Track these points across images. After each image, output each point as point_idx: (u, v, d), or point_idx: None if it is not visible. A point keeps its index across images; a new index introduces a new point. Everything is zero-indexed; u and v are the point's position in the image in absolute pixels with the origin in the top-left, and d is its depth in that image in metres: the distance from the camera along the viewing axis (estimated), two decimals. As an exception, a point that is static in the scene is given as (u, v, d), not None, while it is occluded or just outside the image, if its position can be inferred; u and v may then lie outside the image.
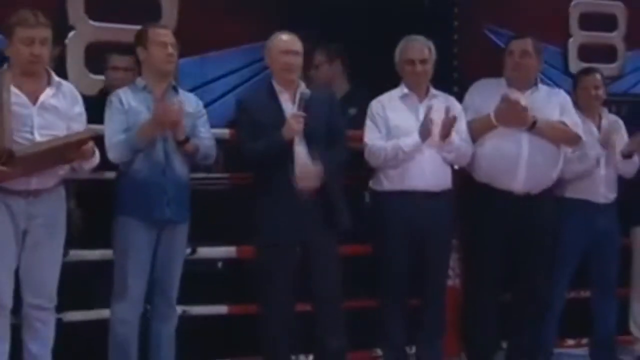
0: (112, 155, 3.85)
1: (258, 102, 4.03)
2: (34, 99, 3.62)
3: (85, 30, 4.97)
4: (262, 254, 4.03)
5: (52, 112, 3.64)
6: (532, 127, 4.28)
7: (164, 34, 3.96)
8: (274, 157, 3.90)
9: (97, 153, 3.73)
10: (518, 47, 4.39)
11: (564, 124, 4.37)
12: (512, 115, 4.25)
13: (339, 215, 3.99)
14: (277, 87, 4.02)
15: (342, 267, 4.03)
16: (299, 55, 4.02)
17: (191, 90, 4.39)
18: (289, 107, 3.96)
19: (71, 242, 3.92)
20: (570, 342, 5.00)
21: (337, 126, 4.06)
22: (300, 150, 3.92)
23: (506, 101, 4.25)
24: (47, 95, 3.65)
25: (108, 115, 3.92)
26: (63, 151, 3.59)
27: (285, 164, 3.90)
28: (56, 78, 3.72)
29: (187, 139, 3.89)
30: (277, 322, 3.97)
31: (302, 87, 3.99)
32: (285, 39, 4.02)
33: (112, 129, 3.88)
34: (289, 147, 3.90)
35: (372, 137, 4.23)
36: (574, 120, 4.41)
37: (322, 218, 3.94)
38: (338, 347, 4.01)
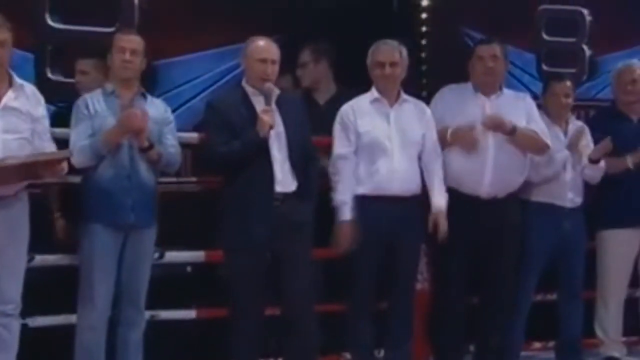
0: (76, 160, 3.83)
1: (229, 103, 4.00)
2: None
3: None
4: (230, 257, 3.99)
5: (16, 114, 3.62)
6: (512, 133, 4.32)
7: (124, 40, 3.95)
8: (250, 156, 3.87)
9: (66, 168, 3.72)
10: (487, 52, 4.42)
11: (534, 132, 4.41)
12: (466, 141, 4.28)
13: (305, 224, 3.97)
14: (249, 89, 4.00)
15: (313, 271, 4.01)
16: (275, 64, 3.99)
17: (158, 95, 4.38)
18: (261, 107, 3.93)
19: (55, 250, 3.94)
20: (537, 345, 5.03)
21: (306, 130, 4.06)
22: (277, 154, 3.90)
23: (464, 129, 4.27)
24: (9, 97, 3.63)
25: (74, 120, 3.92)
26: (35, 169, 3.57)
27: (261, 166, 3.86)
28: (18, 80, 3.69)
29: (150, 146, 3.87)
30: (246, 325, 3.93)
31: (268, 84, 3.95)
32: (262, 46, 4.00)
33: (77, 134, 3.87)
34: (264, 147, 3.86)
35: (340, 146, 4.23)
36: (541, 127, 4.45)
37: (298, 224, 3.91)
38: (311, 351, 4.00)
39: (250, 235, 3.87)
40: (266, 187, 3.87)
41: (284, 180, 3.91)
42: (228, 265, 4.01)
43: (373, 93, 4.32)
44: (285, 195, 3.91)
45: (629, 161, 4.65)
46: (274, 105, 3.94)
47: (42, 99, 3.77)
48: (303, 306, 3.95)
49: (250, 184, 3.89)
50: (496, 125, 4.33)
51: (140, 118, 3.81)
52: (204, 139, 4.12)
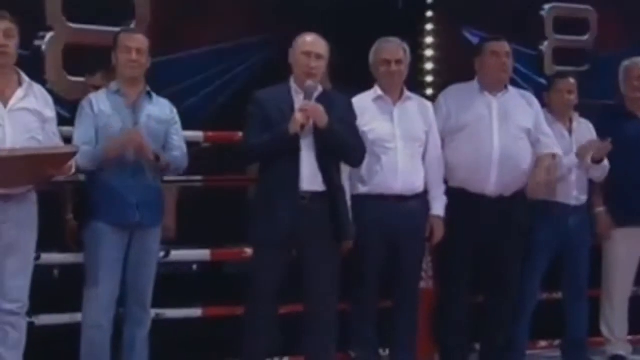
0: (78, 162, 3.81)
1: (271, 97, 3.97)
2: (4, 100, 3.60)
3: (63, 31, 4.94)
4: (256, 252, 3.97)
5: (25, 114, 3.63)
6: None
7: (130, 39, 3.95)
8: (278, 151, 3.85)
9: (74, 166, 3.73)
10: (501, 48, 4.43)
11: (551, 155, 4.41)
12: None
13: (345, 226, 3.96)
14: (294, 86, 3.98)
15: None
16: (322, 59, 3.96)
17: (162, 92, 4.39)
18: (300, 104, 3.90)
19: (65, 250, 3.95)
20: (543, 343, 5.04)
21: (350, 129, 4.00)
22: (307, 154, 3.86)
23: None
24: (18, 97, 3.64)
25: (77, 120, 3.93)
26: (42, 164, 3.56)
27: (289, 164, 3.85)
28: (27, 79, 3.70)
29: (157, 158, 3.87)
30: (260, 322, 3.92)
31: (310, 82, 3.91)
32: (308, 40, 3.97)
33: (79, 133, 3.89)
34: (294, 144, 3.83)
35: None
36: (546, 132, 4.47)
37: (324, 223, 3.89)
38: (327, 351, 4.01)
39: (275, 231, 3.85)
40: (292, 184, 3.85)
41: (311, 179, 3.87)
42: (253, 259, 3.99)
43: (376, 91, 4.32)
44: (313, 194, 3.87)
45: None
46: (313, 103, 3.88)
47: (50, 99, 3.78)
48: (325, 305, 3.94)
49: (277, 180, 3.87)
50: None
51: (139, 142, 3.80)
52: (244, 130, 4.05)
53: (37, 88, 3.76)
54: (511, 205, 4.40)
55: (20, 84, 3.66)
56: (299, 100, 3.93)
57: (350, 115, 4.06)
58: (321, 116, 3.84)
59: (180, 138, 4.04)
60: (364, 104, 4.28)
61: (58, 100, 4.03)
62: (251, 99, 4.01)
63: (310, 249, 3.90)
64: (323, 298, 3.93)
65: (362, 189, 4.23)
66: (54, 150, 3.63)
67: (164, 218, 4.04)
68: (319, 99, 3.93)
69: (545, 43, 5.94)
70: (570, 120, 4.70)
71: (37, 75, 4.19)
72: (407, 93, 4.34)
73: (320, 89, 3.98)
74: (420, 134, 4.29)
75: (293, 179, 3.85)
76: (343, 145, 3.94)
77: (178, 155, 3.99)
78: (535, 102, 4.55)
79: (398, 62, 4.26)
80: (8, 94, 3.63)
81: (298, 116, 3.82)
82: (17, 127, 3.59)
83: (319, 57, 3.95)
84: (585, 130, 4.72)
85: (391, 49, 4.28)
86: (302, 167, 3.86)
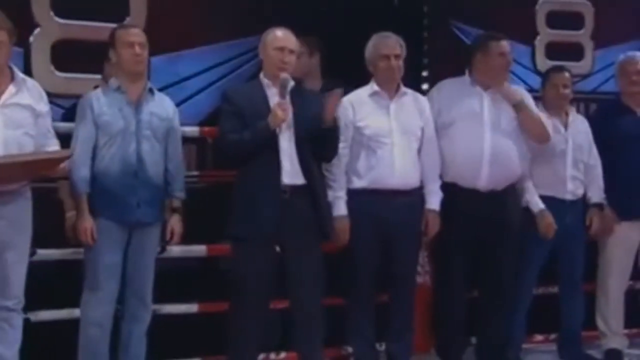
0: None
1: (243, 93, 3.98)
2: None
3: (51, 27, 4.92)
4: (237, 247, 3.96)
5: (17, 109, 3.61)
6: (520, 106, 4.36)
7: (131, 34, 3.93)
8: (259, 147, 3.85)
9: (67, 167, 3.72)
10: (507, 49, 4.42)
11: (540, 117, 4.42)
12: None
13: (326, 219, 3.96)
14: (265, 81, 3.97)
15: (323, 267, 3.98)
16: (293, 54, 3.97)
17: (163, 89, 4.38)
18: (276, 100, 3.90)
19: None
20: (539, 337, 5.05)
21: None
22: (286, 146, 3.87)
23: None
24: (10, 92, 3.62)
25: (77, 119, 3.92)
26: (36, 167, 3.57)
27: (269, 158, 3.85)
28: (20, 75, 3.68)
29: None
30: (247, 318, 3.91)
31: (285, 75, 3.91)
32: (280, 36, 3.97)
33: (79, 134, 3.88)
34: (274, 139, 3.84)
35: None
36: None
37: (306, 217, 3.89)
38: (313, 344, 4.00)
39: (257, 226, 3.85)
40: (273, 178, 3.84)
41: (292, 172, 3.87)
42: (234, 255, 3.98)
43: (372, 86, 4.32)
44: (294, 188, 3.88)
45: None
46: (287, 97, 3.90)
47: (44, 94, 3.76)
48: (310, 299, 3.94)
49: (257, 175, 3.87)
50: (508, 94, 4.35)
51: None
52: (219, 128, 4.05)
53: (31, 83, 3.73)
54: (503, 199, 4.40)
55: (12, 79, 3.64)
56: (271, 93, 3.93)
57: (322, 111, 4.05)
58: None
59: (176, 147, 4.03)
60: (360, 99, 4.28)
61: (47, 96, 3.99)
62: (222, 97, 4.02)
63: (293, 243, 3.90)
64: (307, 291, 3.92)
65: (358, 184, 4.23)
66: (49, 155, 3.63)
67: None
68: (293, 92, 3.93)
69: (538, 38, 5.96)
70: (567, 114, 4.70)
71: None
72: (403, 88, 4.34)
73: (292, 82, 3.97)
74: (417, 129, 4.29)
75: (274, 173, 3.85)
76: (324, 140, 3.94)
77: (179, 180, 4.03)
78: (527, 95, 4.54)
79: (397, 57, 4.26)
80: (0, 89, 3.60)
81: (279, 112, 3.82)
82: (10, 123, 3.58)
83: (291, 52, 3.96)
84: (580, 125, 4.72)
85: (390, 44, 4.28)
86: (282, 161, 3.86)
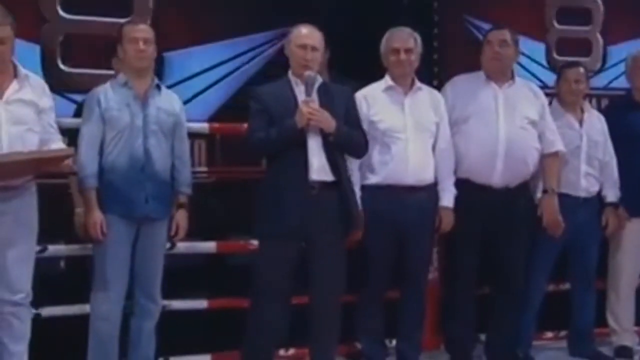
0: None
1: (271, 91, 3.96)
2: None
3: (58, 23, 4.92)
4: (264, 244, 3.94)
5: (20, 105, 3.60)
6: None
7: (136, 30, 3.92)
8: (285, 145, 3.84)
9: (72, 163, 3.70)
10: (496, 37, 4.41)
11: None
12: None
13: (354, 215, 3.94)
14: (293, 79, 3.96)
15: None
16: (317, 51, 3.95)
17: (173, 85, 4.38)
18: (303, 97, 3.88)
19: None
20: (549, 334, 5.03)
21: (353, 121, 4.00)
22: (314, 144, 3.85)
23: None
24: (13, 89, 3.61)
25: (84, 116, 3.91)
26: (39, 164, 3.56)
27: (297, 155, 3.83)
28: (23, 71, 3.66)
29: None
30: (268, 316, 3.88)
31: (309, 72, 3.89)
32: (303, 33, 3.95)
33: (86, 130, 3.87)
34: (301, 137, 3.82)
35: None
36: (551, 128, 4.45)
37: (333, 213, 3.87)
38: (329, 344, 4.00)
39: (284, 223, 3.83)
40: (301, 175, 3.83)
41: (320, 169, 3.86)
42: (260, 252, 3.96)
43: (387, 81, 4.30)
44: (322, 184, 3.86)
45: None
46: (314, 95, 3.88)
47: (47, 89, 3.74)
48: (331, 296, 3.92)
49: (285, 172, 3.86)
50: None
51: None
52: (247, 127, 4.04)
53: (34, 78, 3.72)
54: (517, 196, 4.38)
55: (16, 75, 3.63)
56: (299, 91, 3.92)
57: (353, 106, 4.06)
58: (328, 121, 3.84)
59: (182, 142, 4.02)
60: (375, 93, 4.27)
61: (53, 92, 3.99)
62: (251, 95, 4.00)
63: (319, 240, 3.88)
64: (329, 288, 3.92)
65: (372, 179, 4.21)
66: (52, 153, 3.62)
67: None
68: (320, 90, 3.92)
69: (548, 34, 5.94)
70: (582, 111, 4.68)
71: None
72: (418, 84, 4.31)
73: (319, 79, 3.96)
74: (431, 125, 4.28)
75: (302, 170, 3.83)
76: (350, 143, 3.97)
77: (186, 179, 4.01)
78: (542, 94, 4.53)
79: (408, 51, 4.23)
80: (4, 86, 3.59)
81: (305, 109, 3.81)
82: (13, 120, 3.56)
83: (314, 49, 3.94)
84: (596, 121, 4.70)
85: (401, 38, 4.25)
86: (310, 158, 3.84)
